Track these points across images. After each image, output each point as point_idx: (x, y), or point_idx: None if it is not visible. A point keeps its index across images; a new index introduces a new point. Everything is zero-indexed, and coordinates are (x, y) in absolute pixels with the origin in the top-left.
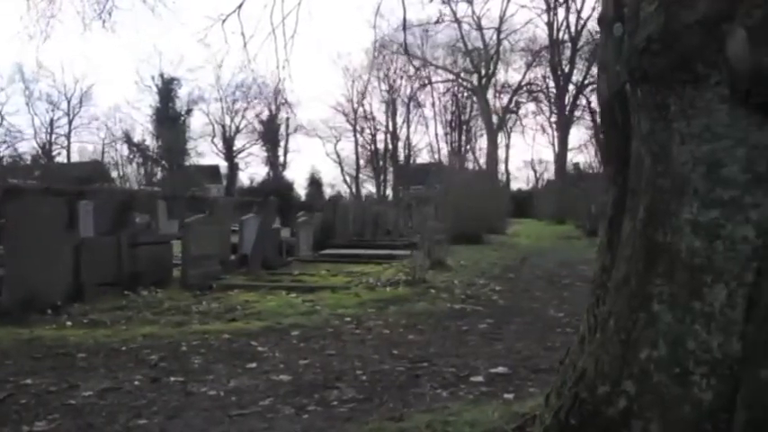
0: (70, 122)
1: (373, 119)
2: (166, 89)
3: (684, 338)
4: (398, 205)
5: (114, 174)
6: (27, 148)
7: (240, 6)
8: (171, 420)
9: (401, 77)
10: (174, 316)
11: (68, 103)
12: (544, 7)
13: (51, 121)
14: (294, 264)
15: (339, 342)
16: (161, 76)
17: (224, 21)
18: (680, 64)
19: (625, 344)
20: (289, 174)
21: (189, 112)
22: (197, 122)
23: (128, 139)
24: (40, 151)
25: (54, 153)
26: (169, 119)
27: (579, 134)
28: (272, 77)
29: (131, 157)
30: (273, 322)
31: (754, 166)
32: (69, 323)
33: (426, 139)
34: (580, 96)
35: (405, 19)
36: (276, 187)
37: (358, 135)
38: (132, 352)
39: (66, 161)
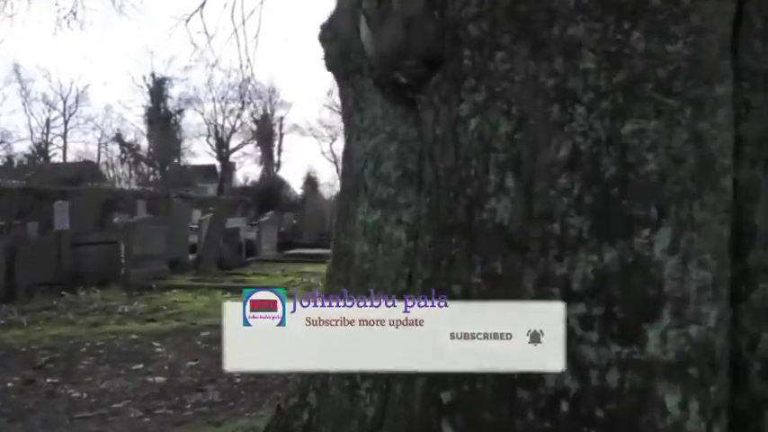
0: (66, 122)
1: None
2: (158, 89)
3: None
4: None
5: (110, 174)
6: (24, 148)
7: (203, 6)
8: (11, 423)
9: None
10: (96, 316)
11: (64, 103)
12: None
13: (48, 121)
14: (254, 264)
15: None
16: (152, 75)
17: (187, 21)
18: (343, 53)
19: None
20: (284, 173)
21: (180, 111)
22: (192, 122)
23: (119, 138)
24: (35, 151)
25: (50, 153)
26: (161, 118)
27: None
28: (266, 78)
29: (123, 156)
30: (189, 323)
31: (405, 162)
32: None
33: None
34: None
35: None
36: (269, 186)
37: None
38: (30, 353)
39: (62, 161)
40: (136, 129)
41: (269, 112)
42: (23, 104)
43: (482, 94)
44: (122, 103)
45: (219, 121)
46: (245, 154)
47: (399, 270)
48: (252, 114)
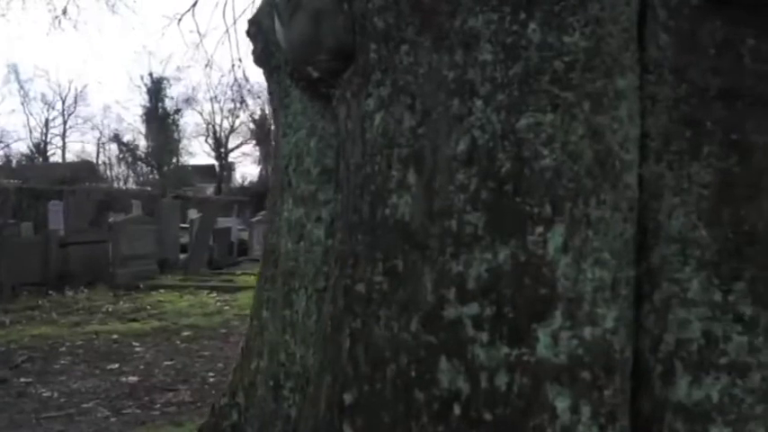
0: (65, 122)
1: None
2: (156, 88)
3: (278, 349)
4: None
5: (108, 174)
6: (23, 147)
7: (194, 5)
8: None
9: None
10: (79, 316)
11: (63, 102)
12: None
13: (47, 120)
14: (244, 263)
15: (223, 344)
16: (150, 75)
17: (179, 20)
18: (266, 49)
19: (244, 351)
20: None
21: (178, 111)
22: (190, 122)
23: (117, 138)
24: (34, 150)
25: (49, 153)
26: (159, 118)
27: None
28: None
29: (121, 156)
30: (171, 323)
31: (324, 158)
32: None
33: None
34: None
35: None
36: (267, 186)
37: None
38: (8, 353)
39: (61, 161)
40: (134, 128)
41: (267, 111)
42: (22, 104)
43: (387, 88)
44: (120, 103)
45: (218, 120)
46: (243, 154)
47: (319, 268)
48: (250, 114)
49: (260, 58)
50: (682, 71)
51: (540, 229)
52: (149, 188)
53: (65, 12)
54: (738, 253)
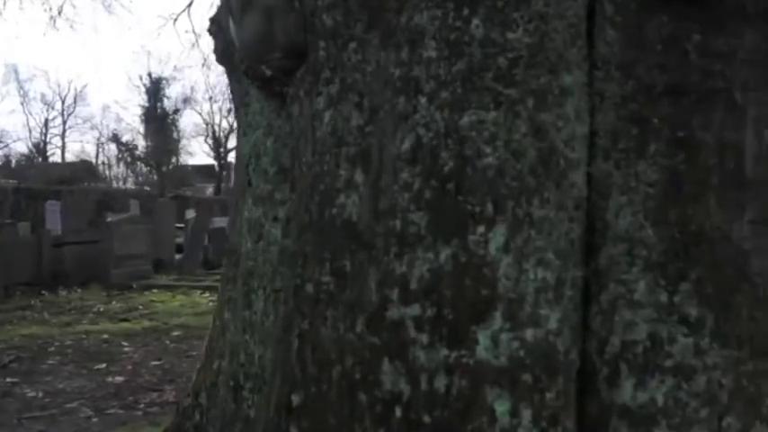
0: (64, 122)
1: None
2: (155, 88)
3: (238, 350)
4: None
5: (108, 173)
6: (23, 147)
7: (190, 5)
8: None
9: None
10: (71, 316)
11: (62, 102)
12: None
13: (46, 120)
14: None
15: None
16: (149, 75)
17: (175, 20)
18: (226, 47)
19: (207, 352)
20: None
21: (176, 111)
22: (189, 122)
23: (116, 138)
24: (33, 151)
25: (49, 153)
26: (158, 118)
27: None
28: None
29: (120, 156)
30: (162, 322)
31: (280, 157)
32: None
33: None
34: None
35: None
36: None
37: None
38: None
39: (60, 161)
40: (133, 128)
41: None
42: (22, 104)
43: (336, 86)
44: (119, 102)
45: (217, 120)
46: None
47: (276, 268)
48: None
49: (221, 57)
50: (629, 67)
51: (481, 229)
52: (148, 188)
53: (60, 11)
54: (685, 253)
